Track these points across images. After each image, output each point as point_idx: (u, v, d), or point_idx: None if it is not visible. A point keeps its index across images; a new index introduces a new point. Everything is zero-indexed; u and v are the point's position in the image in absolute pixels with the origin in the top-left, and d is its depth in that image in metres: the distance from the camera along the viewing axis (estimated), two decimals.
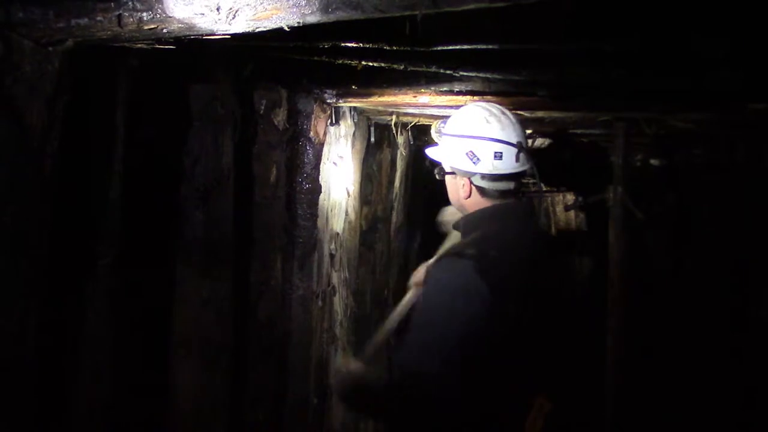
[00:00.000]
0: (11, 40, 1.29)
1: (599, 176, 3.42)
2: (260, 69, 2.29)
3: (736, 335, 3.88)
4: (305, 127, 2.61)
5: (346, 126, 3.07)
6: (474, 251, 1.68)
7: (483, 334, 1.61)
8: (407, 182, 4.18)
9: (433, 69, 2.07)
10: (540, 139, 3.72)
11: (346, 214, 3.19)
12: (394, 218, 4.08)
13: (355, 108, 3.08)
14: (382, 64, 2.05)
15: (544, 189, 5.13)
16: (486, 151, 1.77)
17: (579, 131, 3.77)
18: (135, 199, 1.90)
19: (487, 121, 1.79)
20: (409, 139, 3.78)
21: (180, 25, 1.31)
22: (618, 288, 3.16)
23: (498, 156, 1.77)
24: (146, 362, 2.07)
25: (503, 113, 1.82)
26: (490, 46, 1.81)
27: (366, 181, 3.61)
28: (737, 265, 3.96)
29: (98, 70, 1.71)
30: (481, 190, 1.81)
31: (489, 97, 2.41)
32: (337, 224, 3.07)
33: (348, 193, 3.18)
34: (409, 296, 1.86)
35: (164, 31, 1.33)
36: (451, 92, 2.43)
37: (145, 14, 1.27)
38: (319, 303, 2.84)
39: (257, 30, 1.32)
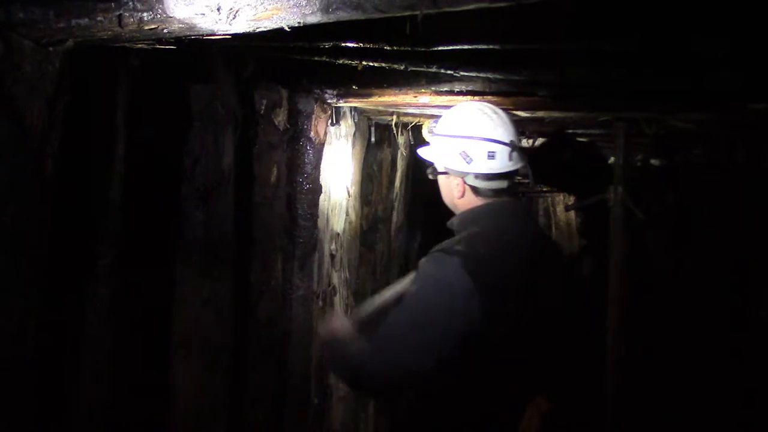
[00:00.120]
0: (11, 40, 1.28)
1: (599, 176, 3.41)
2: (261, 69, 2.29)
3: (736, 335, 3.88)
4: (306, 127, 2.61)
5: (347, 126, 3.07)
6: (462, 248, 1.68)
7: (471, 331, 1.61)
8: (408, 182, 4.17)
9: (434, 69, 2.07)
10: (540, 139, 3.72)
11: (347, 214, 3.18)
12: (394, 218, 4.08)
13: (355, 108, 3.08)
14: (383, 65, 2.05)
15: (544, 189, 5.13)
16: (479, 150, 1.76)
17: (579, 131, 3.77)
18: (135, 199, 1.90)
19: (480, 121, 1.79)
20: (409, 139, 3.77)
21: (180, 26, 1.31)
22: (618, 288, 3.15)
23: (491, 155, 1.76)
24: (146, 362, 2.07)
25: (495, 112, 1.82)
26: (490, 46, 1.81)
27: (366, 181, 3.61)
28: (737, 265, 3.95)
29: (99, 70, 1.71)
30: (475, 190, 1.80)
31: (489, 97, 2.41)
32: (338, 224, 3.07)
33: (348, 194, 3.18)
34: (408, 279, 1.87)
35: (165, 31, 1.33)
36: (451, 92, 2.43)
37: (145, 14, 1.27)
38: (320, 303, 2.84)
39: (258, 30, 1.32)
